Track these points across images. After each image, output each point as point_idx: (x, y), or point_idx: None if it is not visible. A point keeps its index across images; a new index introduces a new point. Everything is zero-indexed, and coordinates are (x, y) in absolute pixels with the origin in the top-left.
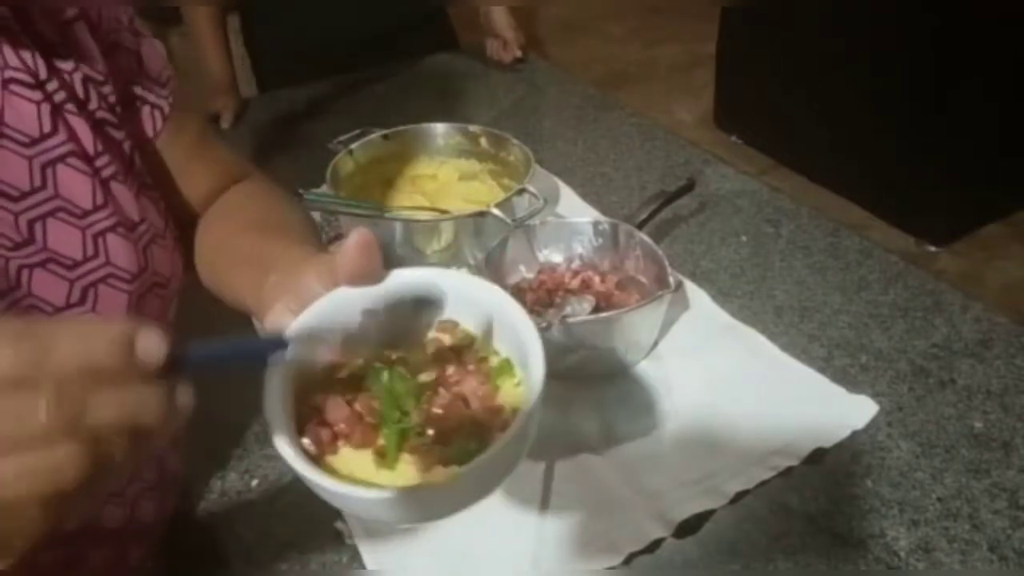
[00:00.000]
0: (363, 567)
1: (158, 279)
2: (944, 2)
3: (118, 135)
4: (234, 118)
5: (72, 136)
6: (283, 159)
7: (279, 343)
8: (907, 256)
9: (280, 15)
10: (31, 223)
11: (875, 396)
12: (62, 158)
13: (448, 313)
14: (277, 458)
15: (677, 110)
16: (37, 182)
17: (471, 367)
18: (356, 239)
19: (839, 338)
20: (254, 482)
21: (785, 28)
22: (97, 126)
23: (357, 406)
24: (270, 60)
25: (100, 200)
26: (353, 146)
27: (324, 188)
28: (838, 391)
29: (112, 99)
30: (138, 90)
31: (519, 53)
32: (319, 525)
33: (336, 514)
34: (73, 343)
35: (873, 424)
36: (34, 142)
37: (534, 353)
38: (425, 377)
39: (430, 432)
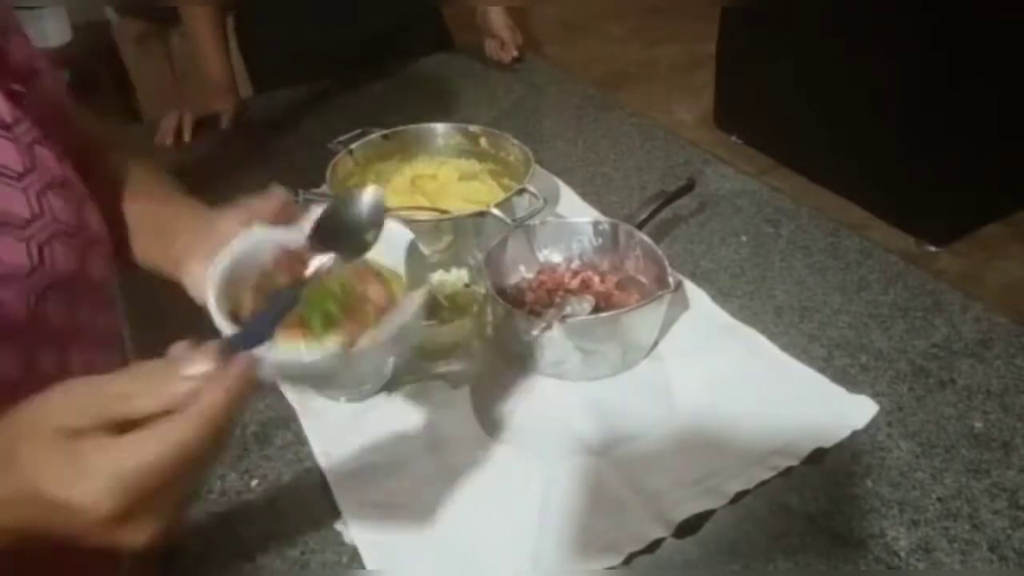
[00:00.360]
0: (363, 567)
1: (95, 235)
2: (944, 2)
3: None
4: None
5: None
6: (283, 159)
7: (290, 294)
8: (907, 256)
9: (275, 16)
10: None
11: (875, 396)
12: None
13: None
14: (277, 458)
15: (677, 110)
16: None
17: (371, 277)
18: (275, 193)
19: (839, 338)
20: (254, 482)
21: (785, 28)
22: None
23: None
24: (265, 61)
25: (29, 164)
26: (353, 146)
27: (324, 188)
28: (838, 391)
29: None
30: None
31: (516, 53)
32: (319, 525)
33: (336, 514)
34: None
35: (873, 424)
36: None
37: (413, 267)
38: (339, 282)
39: (344, 320)
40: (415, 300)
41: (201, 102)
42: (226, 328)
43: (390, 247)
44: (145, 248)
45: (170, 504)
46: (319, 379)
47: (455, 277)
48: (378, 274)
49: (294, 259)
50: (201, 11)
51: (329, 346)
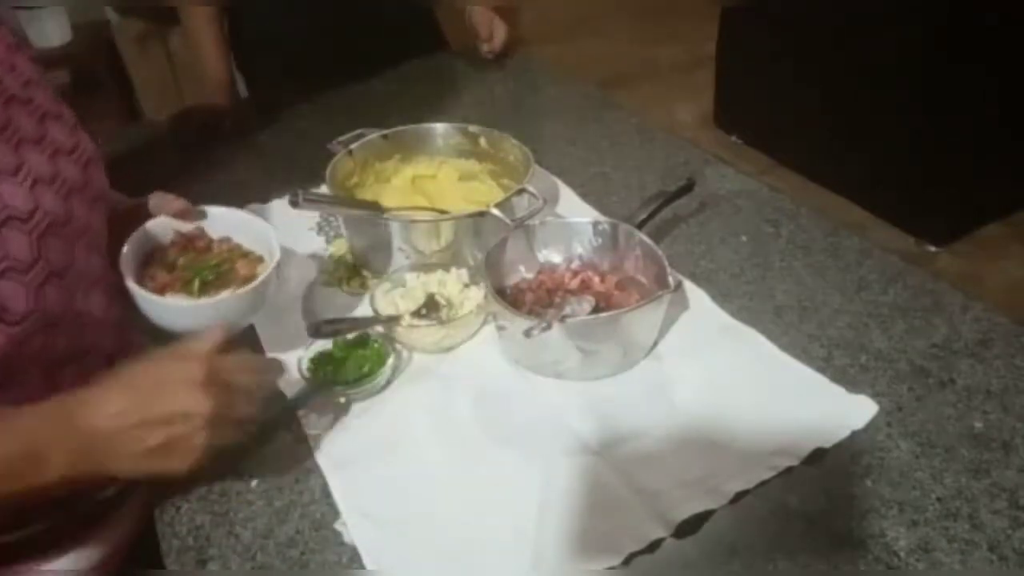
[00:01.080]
0: (363, 567)
1: (97, 193)
2: (944, 2)
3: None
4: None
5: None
6: (283, 159)
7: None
8: (907, 256)
9: (276, 16)
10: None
11: (875, 396)
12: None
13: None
14: (277, 458)
15: (677, 110)
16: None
17: (240, 256)
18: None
19: (839, 338)
20: (254, 482)
21: (785, 28)
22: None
23: (178, 272)
24: (265, 61)
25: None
26: (353, 146)
27: (324, 188)
28: (838, 391)
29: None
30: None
31: (495, 48)
32: (319, 525)
33: (336, 514)
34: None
35: (873, 424)
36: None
37: (271, 248)
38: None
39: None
40: (265, 275)
41: (201, 102)
42: (133, 288)
43: (257, 236)
44: None
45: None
46: (188, 322)
47: (455, 277)
48: (247, 255)
49: (187, 239)
50: (200, 11)
51: (201, 299)
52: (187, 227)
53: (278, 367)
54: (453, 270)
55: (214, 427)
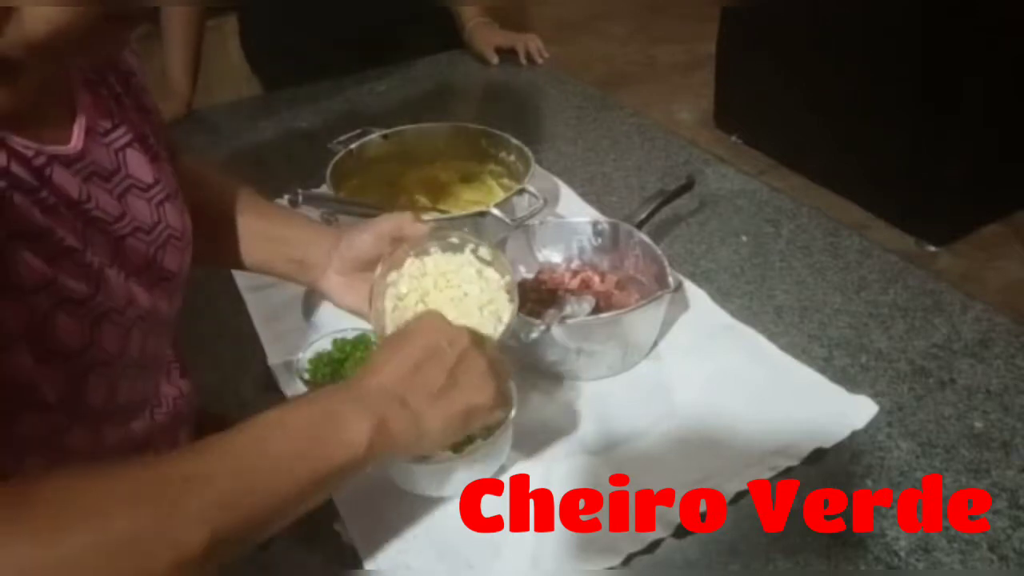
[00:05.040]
0: (362, 567)
1: (172, 232)
2: (944, 2)
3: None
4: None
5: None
6: (283, 159)
7: None
8: (907, 256)
9: (277, 16)
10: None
11: (875, 396)
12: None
13: None
14: None
15: (677, 110)
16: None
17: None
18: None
19: (839, 338)
20: None
21: (785, 28)
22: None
23: None
24: (266, 61)
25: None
26: (353, 146)
27: (324, 188)
28: (838, 391)
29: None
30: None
31: (534, 50)
32: (319, 525)
33: (336, 514)
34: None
35: (873, 424)
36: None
37: None
38: None
39: None
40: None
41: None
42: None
43: None
44: (255, 252)
45: None
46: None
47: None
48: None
49: None
50: (179, 12)
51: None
52: None
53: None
54: (467, 250)
55: (491, 369)
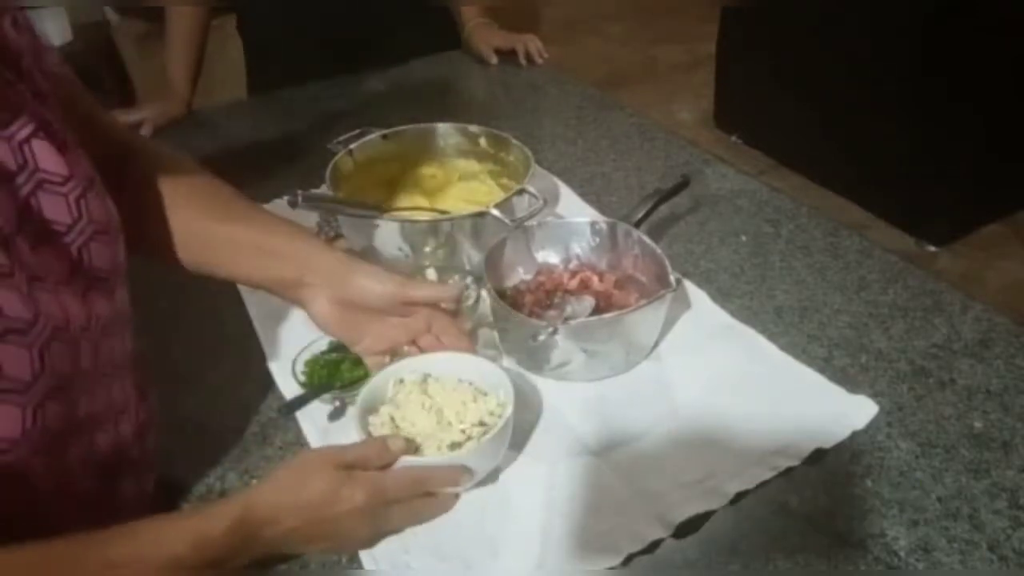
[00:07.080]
0: (362, 567)
1: (96, 226)
2: (944, 2)
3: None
4: (162, 126)
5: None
6: (283, 159)
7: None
8: (907, 256)
9: (277, 16)
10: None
11: (875, 396)
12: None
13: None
14: (277, 458)
15: (677, 110)
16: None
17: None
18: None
19: (839, 338)
20: (254, 482)
21: (785, 28)
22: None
23: None
24: (266, 61)
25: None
26: (353, 146)
27: (324, 188)
28: (838, 391)
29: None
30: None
31: (533, 51)
32: None
33: None
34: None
35: (873, 424)
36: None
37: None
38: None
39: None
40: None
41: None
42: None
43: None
44: (243, 266)
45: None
46: None
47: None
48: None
49: None
50: (183, 12)
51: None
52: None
53: (452, 478)
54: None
55: (373, 541)
